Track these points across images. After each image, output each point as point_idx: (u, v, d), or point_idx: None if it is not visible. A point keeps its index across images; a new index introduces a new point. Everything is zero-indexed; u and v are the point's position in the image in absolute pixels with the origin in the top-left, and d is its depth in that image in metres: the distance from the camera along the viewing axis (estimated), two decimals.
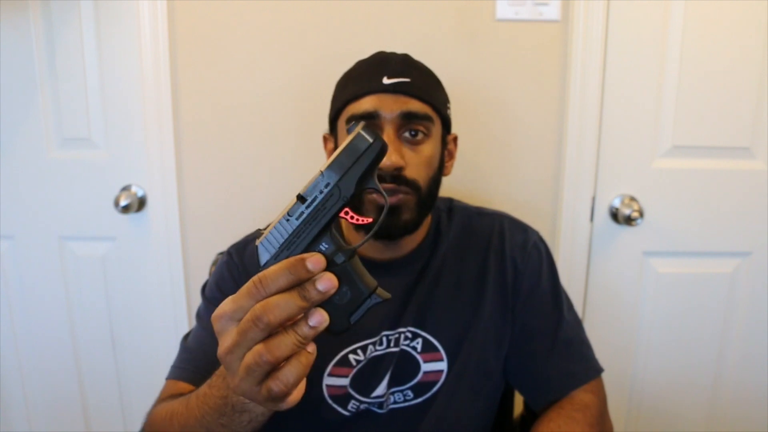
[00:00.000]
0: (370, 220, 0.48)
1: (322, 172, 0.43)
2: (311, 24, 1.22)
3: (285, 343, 0.43)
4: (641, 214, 1.24)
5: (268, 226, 0.45)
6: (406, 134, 0.79)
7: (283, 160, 1.28)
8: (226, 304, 0.44)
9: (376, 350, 0.83)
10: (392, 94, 0.79)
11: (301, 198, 0.43)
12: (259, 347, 0.42)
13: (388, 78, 0.80)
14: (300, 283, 0.43)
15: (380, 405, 0.84)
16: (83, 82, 1.27)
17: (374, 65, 0.84)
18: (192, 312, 1.33)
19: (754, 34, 1.22)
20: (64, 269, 1.36)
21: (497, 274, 0.88)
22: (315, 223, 0.44)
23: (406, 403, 0.84)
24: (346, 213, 0.46)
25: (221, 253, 0.96)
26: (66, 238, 1.35)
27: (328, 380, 0.83)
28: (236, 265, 0.87)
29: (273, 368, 0.43)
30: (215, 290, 0.87)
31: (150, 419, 0.72)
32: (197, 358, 0.81)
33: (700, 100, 1.24)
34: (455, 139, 0.93)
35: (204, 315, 0.86)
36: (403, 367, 0.83)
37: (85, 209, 1.33)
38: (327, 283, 0.43)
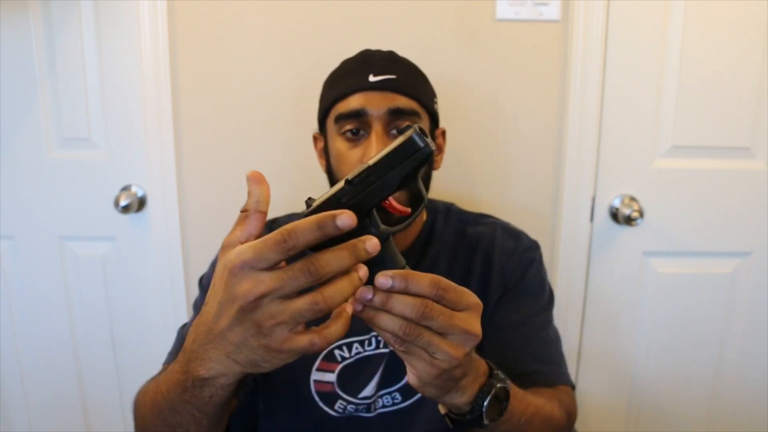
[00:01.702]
0: (408, 211, 0.51)
1: (370, 165, 0.46)
2: (311, 24, 1.22)
3: (341, 291, 0.44)
4: (641, 214, 1.24)
5: (317, 199, 0.47)
6: (394, 131, 0.80)
7: (283, 160, 1.28)
8: (245, 253, 0.42)
9: (365, 350, 0.83)
10: (379, 92, 0.80)
11: (348, 182, 0.45)
12: (314, 295, 0.43)
13: (374, 75, 0.81)
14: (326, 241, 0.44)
15: (368, 408, 0.83)
16: (83, 82, 1.27)
17: (360, 63, 0.85)
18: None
19: (754, 34, 1.22)
20: (64, 269, 1.36)
21: (480, 278, 0.87)
22: (359, 207, 0.46)
23: (395, 407, 0.84)
24: (387, 201, 0.48)
25: None
26: (66, 238, 1.35)
27: (315, 375, 0.83)
28: None
29: (308, 319, 0.44)
30: (212, 278, 0.87)
31: (135, 399, 0.71)
32: None
33: (700, 100, 1.25)
34: (443, 133, 0.94)
35: (201, 304, 0.86)
36: (392, 368, 0.83)
37: (85, 209, 1.33)
38: (374, 246, 0.45)
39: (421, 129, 0.46)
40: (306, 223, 0.42)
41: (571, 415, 0.79)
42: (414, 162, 0.45)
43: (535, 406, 0.68)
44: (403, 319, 0.47)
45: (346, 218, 0.42)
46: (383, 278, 0.46)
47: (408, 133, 0.46)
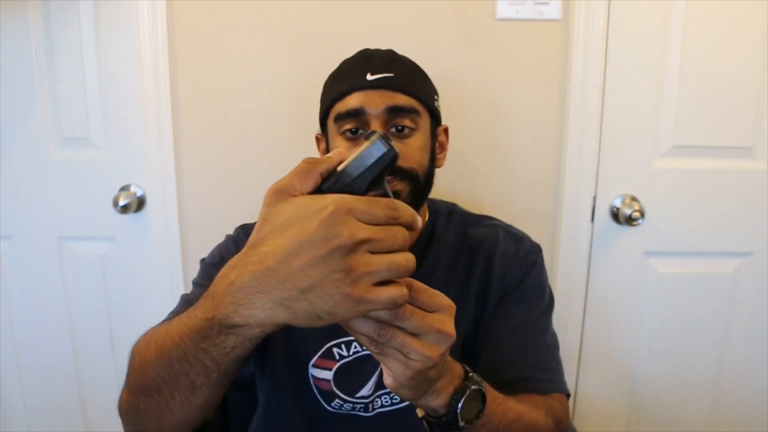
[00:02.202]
0: None
1: (338, 172, 0.48)
2: (310, 25, 1.22)
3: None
4: (642, 214, 1.24)
5: None
6: (393, 129, 0.80)
7: (282, 160, 1.27)
8: (354, 202, 0.43)
9: (363, 350, 0.83)
10: (377, 90, 0.80)
11: (319, 191, 0.47)
12: (408, 254, 0.44)
13: (372, 74, 0.81)
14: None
15: (366, 408, 0.83)
16: (82, 82, 1.27)
17: (358, 63, 0.85)
18: None
19: (755, 34, 1.21)
20: (63, 269, 1.36)
21: (481, 281, 0.86)
22: None
23: (393, 407, 0.83)
24: None
25: None
26: (65, 238, 1.35)
27: (312, 371, 0.83)
28: (242, 241, 0.88)
29: (397, 275, 0.44)
30: (217, 256, 0.87)
31: (136, 344, 0.69)
32: (192, 302, 0.79)
33: (701, 100, 1.24)
34: (446, 130, 0.93)
35: (200, 276, 0.86)
36: None
37: (84, 209, 1.33)
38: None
39: (384, 135, 0.48)
40: (406, 207, 0.46)
41: (560, 423, 0.78)
42: (379, 166, 0.47)
43: (516, 411, 0.67)
44: (376, 321, 0.47)
45: (419, 222, 0.47)
46: None
47: (372, 139, 0.48)
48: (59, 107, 1.29)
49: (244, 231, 0.91)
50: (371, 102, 0.79)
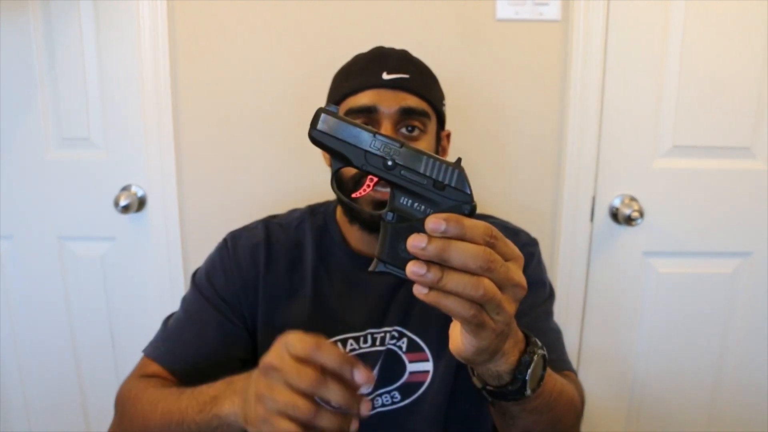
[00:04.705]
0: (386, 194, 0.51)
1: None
2: (311, 25, 1.22)
3: (331, 420, 0.49)
4: (641, 214, 1.24)
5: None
6: (403, 130, 0.81)
7: (282, 160, 1.28)
8: (294, 337, 0.51)
9: (360, 347, 0.83)
10: (391, 90, 0.80)
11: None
12: (309, 403, 0.48)
13: (388, 74, 0.81)
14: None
15: None
16: (83, 82, 1.27)
17: (373, 60, 0.85)
18: None
19: (754, 34, 1.21)
20: (63, 269, 1.36)
21: None
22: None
23: (394, 406, 0.83)
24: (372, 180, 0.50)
25: None
26: (65, 238, 1.35)
27: None
28: (228, 254, 0.86)
29: (293, 417, 0.48)
30: (204, 278, 0.85)
31: (124, 394, 0.73)
32: (173, 342, 0.80)
33: (700, 100, 1.24)
34: (448, 135, 0.94)
35: (189, 300, 0.85)
36: (389, 366, 0.83)
37: (84, 209, 1.33)
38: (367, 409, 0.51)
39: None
40: (336, 355, 0.49)
41: (583, 399, 0.78)
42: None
43: (561, 383, 0.66)
44: (476, 276, 0.42)
45: (362, 376, 0.49)
46: (435, 221, 0.41)
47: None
48: (59, 107, 1.29)
49: (232, 239, 0.89)
50: (385, 101, 0.79)
